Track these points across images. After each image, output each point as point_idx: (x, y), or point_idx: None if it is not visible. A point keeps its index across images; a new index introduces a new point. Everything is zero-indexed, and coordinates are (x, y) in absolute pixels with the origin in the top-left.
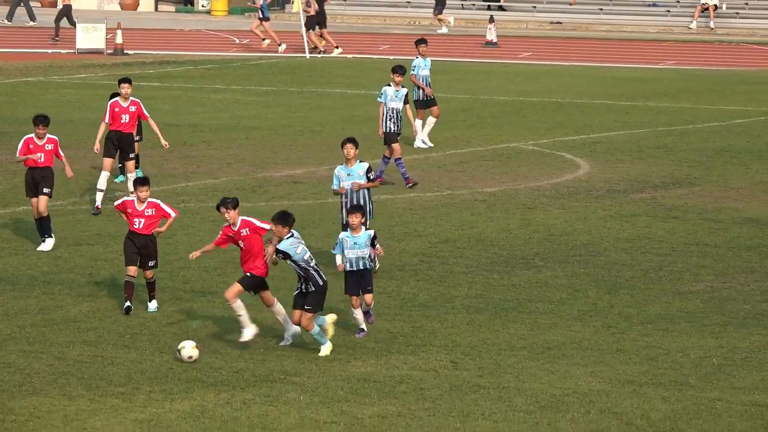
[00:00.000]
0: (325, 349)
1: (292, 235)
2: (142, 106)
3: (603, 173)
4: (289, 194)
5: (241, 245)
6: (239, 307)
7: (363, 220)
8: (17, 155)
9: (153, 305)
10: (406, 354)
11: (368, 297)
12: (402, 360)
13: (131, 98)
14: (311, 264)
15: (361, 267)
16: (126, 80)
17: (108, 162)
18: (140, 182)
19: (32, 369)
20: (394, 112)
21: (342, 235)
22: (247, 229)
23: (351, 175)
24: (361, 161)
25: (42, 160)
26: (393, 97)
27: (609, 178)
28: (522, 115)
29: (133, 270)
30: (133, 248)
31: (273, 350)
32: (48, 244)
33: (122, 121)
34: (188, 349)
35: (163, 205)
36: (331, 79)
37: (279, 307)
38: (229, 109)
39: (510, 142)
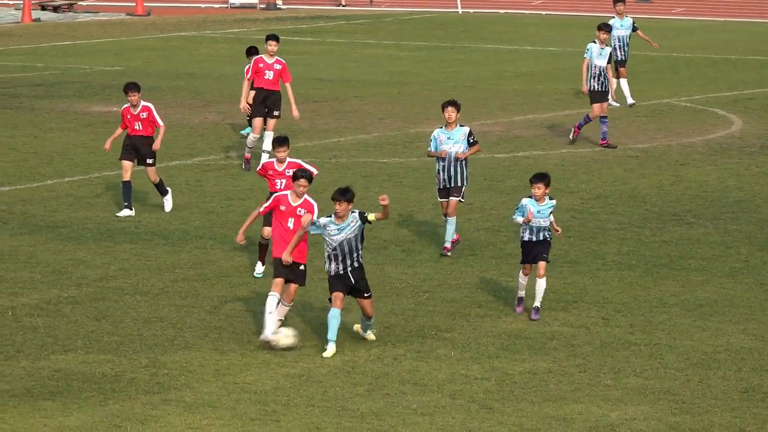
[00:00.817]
0: (331, 350)
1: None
2: (287, 67)
3: (756, 129)
4: None
5: (288, 223)
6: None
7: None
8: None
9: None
10: (557, 310)
11: (542, 265)
12: (553, 317)
13: (277, 57)
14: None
15: (541, 238)
16: (273, 37)
17: (258, 122)
18: (278, 142)
19: (184, 323)
20: (599, 69)
21: (525, 201)
22: (304, 210)
23: (451, 138)
24: (461, 125)
25: (139, 128)
26: (598, 54)
27: (762, 134)
28: (675, 71)
29: (267, 232)
30: None
31: (424, 306)
32: (168, 204)
33: (266, 78)
34: (283, 337)
35: (304, 164)
36: (484, 35)
37: (286, 309)
38: (381, 64)
39: (663, 98)
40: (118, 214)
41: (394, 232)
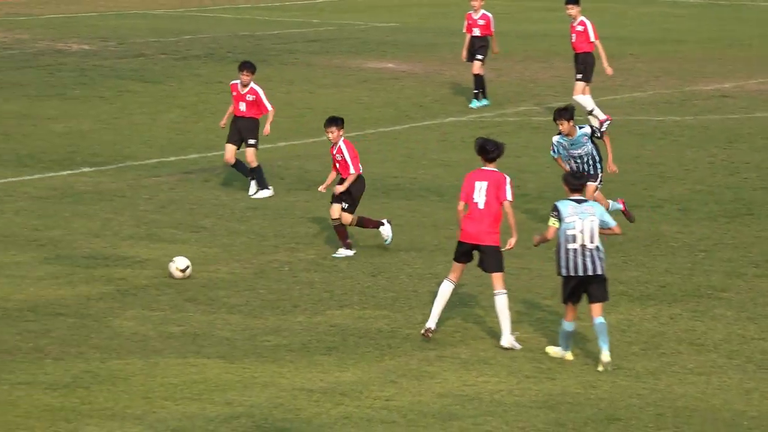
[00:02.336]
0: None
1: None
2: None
3: None
4: (717, 108)
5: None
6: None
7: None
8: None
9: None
10: None
11: None
12: None
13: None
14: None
15: None
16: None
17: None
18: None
19: (460, 281)
20: None
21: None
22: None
23: (575, 144)
24: (580, 126)
25: (243, 109)
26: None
27: None
28: None
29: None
30: None
31: (699, 265)
32: (256, 192)
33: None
34: (171, 266)
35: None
36: None
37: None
38: (656, 22)
39: None
40: (254, 195)
41: (669, 190)
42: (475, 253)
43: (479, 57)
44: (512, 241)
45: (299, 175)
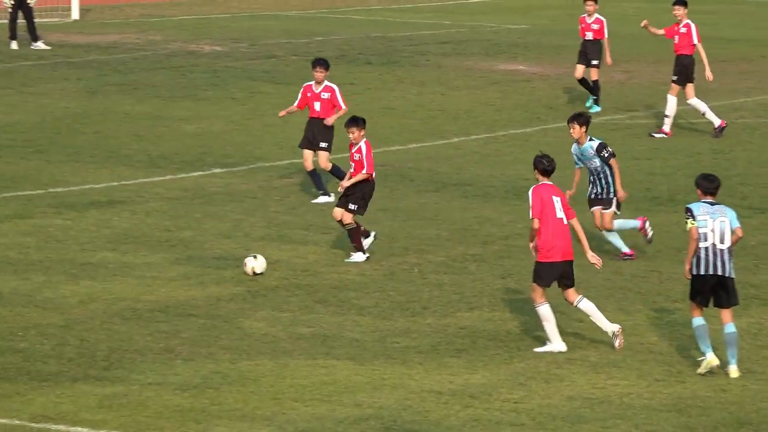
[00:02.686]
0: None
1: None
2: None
3: None
4: None
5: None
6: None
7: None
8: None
9: None
10: None
11: None
12: None
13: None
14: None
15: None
16: (679, 2)
17: (674, 89)
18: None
19: (589, 283)
20: None
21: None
22: None
23: (584, 155)
24: (591, 138)
25: (318, 109)
26: None
27: None
28: None
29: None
30: None
31: None
32: (322, 199)
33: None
34: (251, 262)
35: None
36: None
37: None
38: None
39: None
40: (314, 201)
41: None
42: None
43: (594, 63)
44: (592, 255)
45: (429, 177)
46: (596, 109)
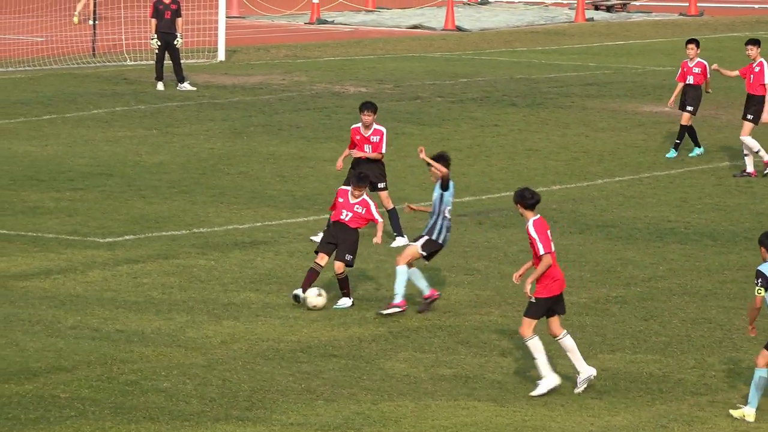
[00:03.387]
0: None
1: None
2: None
3: None
4: None
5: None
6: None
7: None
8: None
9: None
10: None
11: None
12: None
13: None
14: None
15: None
16: (752, 42)
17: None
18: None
19: (732, 325)
20: None
21: None
22: None
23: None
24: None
25: (370, 151)
26: None
27: None
28: None
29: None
30: None
31: None
32: (399, 242)
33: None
34: (311, 298)
35: None
36: None
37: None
38: None
39: None
40: (391, 245)
41: None
42: None
43: (689, 108)
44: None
45: (573, 218)
46: (698, 151)
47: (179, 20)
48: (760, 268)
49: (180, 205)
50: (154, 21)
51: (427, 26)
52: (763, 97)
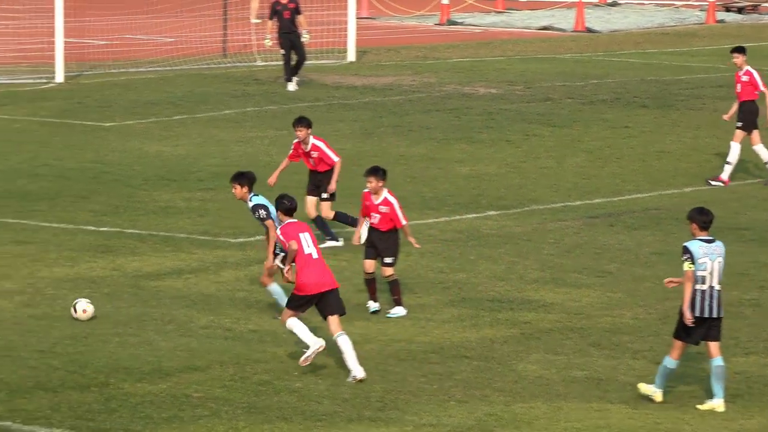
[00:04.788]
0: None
1: None
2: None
3: None
4: None
5: None
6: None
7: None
8: None
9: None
10: None
11: None
12: None
13: (746, 67)
14: None
15: None
16: (737, 49)
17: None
18: None
19: None
20: None
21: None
22: None
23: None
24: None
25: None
26: None
27: None
28: None
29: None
30: None
31: None
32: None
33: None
34: (82, 303)
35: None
36: None
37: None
38: None
39: None
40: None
41: None
42: None
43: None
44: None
45: None
46: None
47: (301, 18)
48: (686, 244)
49: None
50: (270, 22)
51: (557, 27)
52: (754, 102)
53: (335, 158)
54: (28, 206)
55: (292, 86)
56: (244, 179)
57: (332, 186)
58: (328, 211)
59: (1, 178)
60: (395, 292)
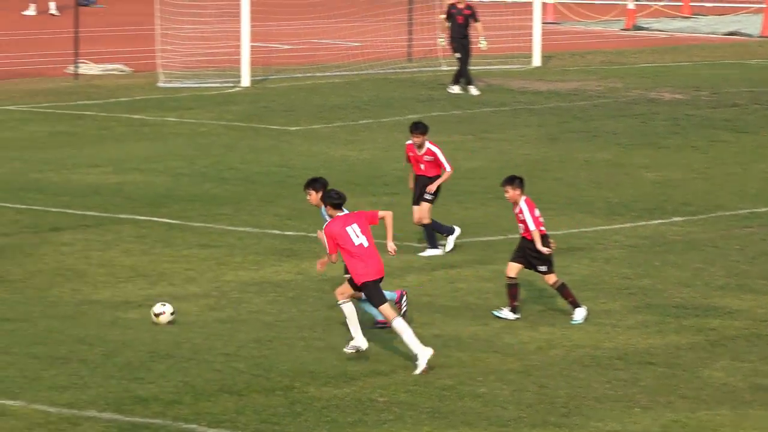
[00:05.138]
0: None
1: None
2: None
3: None
4: None
5: None
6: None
7: None
8: None
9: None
10: None
11: None
12: None
13: None
14: None
15: None
16: None
17: None
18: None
19: None
20: None
21: None
22: None
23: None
24: None
25: (423, 168)
26: None
27: None
28: None
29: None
30: None
31: None
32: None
33: None
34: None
35: None
36: None
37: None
38: None
39: None
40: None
41: None
42: None
43: None
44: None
45: None
46: None
47: (478, 25)
48: None
49: (495, 211)
50: (447, 24)
51: (743, 33)
52: None
53: (449, 168)
54: (213, 210)
55: (474, 90)
56: (319, 185)
57: (433, 186)
58: (425, 213)
59: (187, 182)
60: (567, 295)
